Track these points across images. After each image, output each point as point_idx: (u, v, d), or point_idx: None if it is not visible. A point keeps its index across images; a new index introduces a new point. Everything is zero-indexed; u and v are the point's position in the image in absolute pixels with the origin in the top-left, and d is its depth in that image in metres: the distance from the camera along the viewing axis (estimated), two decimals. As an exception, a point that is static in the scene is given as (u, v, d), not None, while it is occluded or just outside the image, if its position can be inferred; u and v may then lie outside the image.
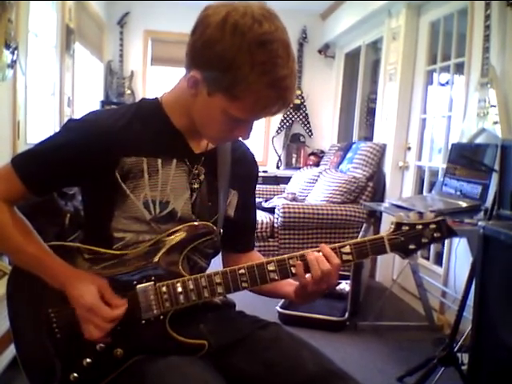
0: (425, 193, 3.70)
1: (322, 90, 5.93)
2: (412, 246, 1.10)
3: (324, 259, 1.07)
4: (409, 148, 3.99)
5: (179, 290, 1.08)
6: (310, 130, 5.91)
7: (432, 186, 3.47)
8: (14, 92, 2.89)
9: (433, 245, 1.14)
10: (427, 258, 3.59)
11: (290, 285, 1.19)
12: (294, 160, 6.03)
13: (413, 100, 3.98)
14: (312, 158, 5.81)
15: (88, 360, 1.07)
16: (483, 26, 2.77)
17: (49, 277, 1.08)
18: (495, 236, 1.75)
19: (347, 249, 1.09)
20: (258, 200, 4.60)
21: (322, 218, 3.99)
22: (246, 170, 1.30)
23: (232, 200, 1.25)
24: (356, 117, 5.29)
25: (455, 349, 2.26)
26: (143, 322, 1.08)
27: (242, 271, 1.08)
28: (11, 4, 2.61)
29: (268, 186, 5.34)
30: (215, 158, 1.20)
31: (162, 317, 1.09)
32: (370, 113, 5.17)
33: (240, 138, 1.12)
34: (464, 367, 2.20)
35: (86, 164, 1.08)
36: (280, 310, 3.09)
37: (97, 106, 5.31)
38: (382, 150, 4.20)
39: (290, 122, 5.91)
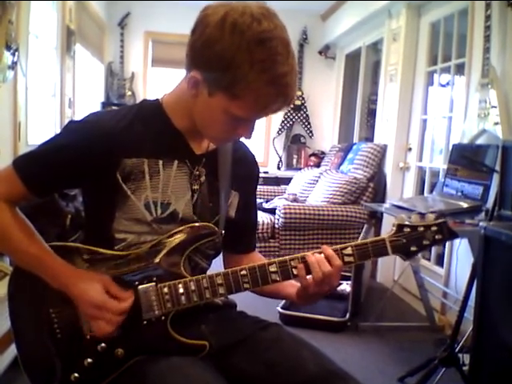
0: (426, 193, 3.70)
1: (322, 91, 5.94)
2: (413, 248, 1.10)
3: (325, 261, 1.07)
4: (409, 149, 3.99)
5: (181, 290, 1.08)
6: (311, 131, 5.92)
7: (433, 186, 3.47)
8: (15, 93, 2.89)
9: (434, 246, 1.14)
10: (428, 259, 3.59)
11: (291, 286, 1.19)
12: (294, 161, 6.03)
13: (413, 101, 3.98)
14: (313, 158, 5.81)
15: (89, 360, 1.08)
16: (484, 26, 2.77)
17: (50, 277, 1.08)
18: (496, 237, 1.75)
19: (349, 250, 1.09)
20: (258, 201, 4.58)
21: (322, 219, 3.99)
22: (246, 171, 1.30)
23: (233, 201, 1.25)
24: (357, 118, 5.29)
25: (456, 349, 2.25)
26: (144, 322, 1.08)
27: (243, 272, 1.08)
28: (12, 5, 2.61)
29: (269, 187, 5.35)
30: (216, 158, 1.20)
31: (163, 317, 1.09)
32: (370, 114, 5.17)
33: (242, 138, 1.12)
34: (465, 368, 2.20)
35: (87, 165, 1.08)
36: (281, 310, 3.09)
37: (97, 108, 5.32)
38: (383, 150, 4.21)
39: (291, 122, 5.91)
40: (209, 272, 1.17)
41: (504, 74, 2.68)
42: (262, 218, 4.06)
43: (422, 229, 1.10)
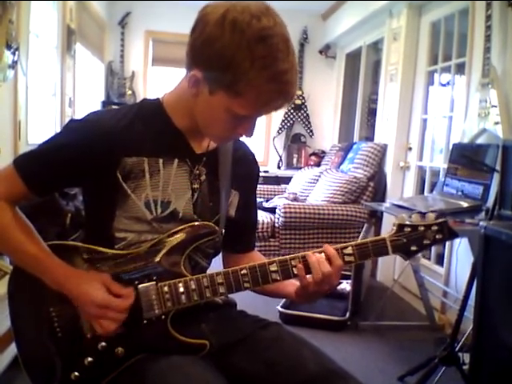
0: (426, 193, 3.70)
1: (322, 91, 5.93)
2: (414, 248, 1.10)
3: (325, 261, 1.07)
4: (410, 148, 3.99)
5: (181, 289, 1.08)
6: (311, 131, 5.92)
7: (433, 186, 3.47)
8: (15, 92, 2.89)
9: (434, 246, 1.14)
10: (428, 258, 3.59)
11: (291, 285, 1.19)
12: (294, 160, 6.03)
13: (414, 100, 3.98)
14: (313, 158, 5.81)
15: (89, 359, 1.08)
16: (484, 26, 2.77)
17: (48, 278, 1.08)
18: (496, 236, 1.75)
19: (349, 250, 1.09)
20: (258, 200, 4.58)
21: (322, 218, 3.99)
22: (246, 170, 1.30)
23: (233, 200, 1.25)
24: (357, 117, 5.29)
25: (456, 348, 2.26)
26: (145, 321, 1.08)
27: (244, 271, 1.08)
28: (12, 4, 2.61)
29: (269, 186, 5.34)
30: (216, 158, 1.20)
31: (163, 316, 1.09)
32: (370, 113, 5.17)
33: (244, 136, 1.12)
34: (465, 367, 2.21)
35: (88, 164, 1.08)
36: (281, 309, 3.10)
37: (98, 107, 5.31)
38: (383, 150, 4.21)
39: (291, 122, 5.91)
40: (209, 271, 1.17)
41: (504, 73, 2.68)
42: (262, 217, 4.06)
43: (422, 228, 1.10)
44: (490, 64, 2.70)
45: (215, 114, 1.05)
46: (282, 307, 3.11)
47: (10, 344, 1.96)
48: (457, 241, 2.95)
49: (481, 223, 1.85)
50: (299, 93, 5.77)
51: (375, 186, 4.18)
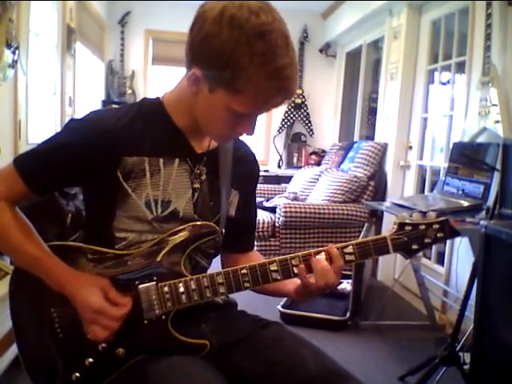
0: (426, 192, 3.70)
1: (323, 90, 5.93)
2: (415, 246, 1.10)
3: (331, 271, 1.07)
4: (410, 147, 3.99)
5: (181, 289, 1.08)
6: (311, 130, 5.91)
7: (434, 185, 3.46)
8: (15, 92, 2.89)
9: (435, 245, 1.14)
10: (429, 258, 3.59)
11: (290, 283, 1.18)
12: (295, 159, 6.03)
13: (414, 99, 3.97)
14: (313, 157, 5.80)
15: (90, 360, 1.07)
16: (484, 24, 2.77)
17: (49, 278, 1.08)
18: (497, 235, 1.75)
19: (350, 249, 1.09)
20: (259, 199, 4.59)
21: (323, 218, 3.99)
22: (247, 170, 1.29)
23: (233, 200, 1.25)
24: (357, 116, 5.29)
25: (457, 348, 2.25)
26: (145, 321, 1.08)
27: (244, 271, 1.08)
28: (12, 4, 2.61)
29: (269, 186, 5.34)
30: (217, 157, 1.20)
31: (163, 317, 1.09)
32: (371, 112, 5.17)
33: (244, 134, 1.11)
34: (466, 366, 2.20)
35: (88, 163, 1.08)
36: (281, 309, 3.09)
37: (98, 106, 5.31)
38: (384, 149, 4.20)
39: (291, 121, 5.91)
40: (209, 271, 1.17)
41: (505, 72, 2.68)
42: (263, 216, 4.06)
43: (423, 227, 1.10)
44: (490, 63, 2.70)
45: (215, 113, 1.04)
46: (282, 307, 3.11)
47: (11, 344, 1.96)
48: (457, 240, 2.95)
49: (481, 222, 1.85)
50: (299, 92, 5.76)
51: (376, 185, 4.17)
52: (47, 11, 3.56)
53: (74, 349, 1.08)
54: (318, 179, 4.68)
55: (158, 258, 1.10)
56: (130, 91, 5.63)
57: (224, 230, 1.22)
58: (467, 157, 2.72)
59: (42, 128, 3.43)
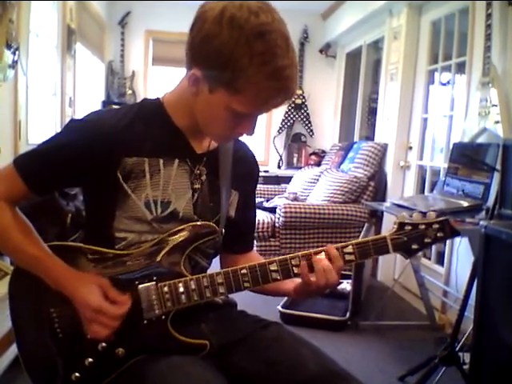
0: (426, 192, 3.70)
1: (323, 90, 5.93)
2: (415, 246, 1.10)
3: (333, 271, 1.07)
4: (410, 147, 3.99)
5: (181, 289, 1.08)
6: (311, 130, 5.91)
7: (433, 185, 3.46)
8: (16, 92, 2.89)
9: (435, 244, 1.14)
10: (429, 258, 3.59)
11: (290, 282, 1.18)
12: (295, 160, 6.03)
13: (414, 99, 3.97)
14: (313, 157, 5.81)
15: (90, 360, 1.07)
16: (484, 25, 2.77)
17: (49, 278, 1.08)
18: (497, 235, 1.75)
19: (350, 249, 1.09)
20: (259, 200, 4.60)
21: (323, 218, 3.99)
22: (246, 170, 1.29)
23: (233, 200, 1.25)
24: (357, 116, 5.29)
25: (457, 348, 2.25)
26: (145, 321, 1.08)
27: (244, 271, 1.08)
28: (12, 4, 2.61)
29: (269, 186, 5.34)
30: (217, 158, 1.20)
31: (163, 317, 1.09)
32: (371, 112, 5.17)
33: (244, 135, 1.11)
34: (465, 366, 2.20)
35: (88, 164, 1.08)
36: (281, 309, 3.09)
37: (98, 106, 5.32)
38: (384, 149, 4.20)
39: (291, 121, 5.91)
40: (209, 271, 1.17)
41: (505, 72, 2.68)
42: (263, 217, 4.06)
43: (423, 227, 1.09)
44: (490, 63, 2.70)
45: (215, 113, 1.05)
46: (282, 307, 3.11)
47: (11, 344, 1.96)
48: (457, 240, 2.95)
49: (481, 222, 1.85)
50: (299, 92, 5.76)
51: (375, 185, 4.18)
52: (47, 11, 3.56)
53: (73, 349, 1.08)
54: (317, 180, 4.68)
55: (158, 258, 1.10)
56: (130, 92, 5.63)
57: (223, 231, 1.22)
58: (467, 157, 2.72)
59: (42, 128, 3.43)
